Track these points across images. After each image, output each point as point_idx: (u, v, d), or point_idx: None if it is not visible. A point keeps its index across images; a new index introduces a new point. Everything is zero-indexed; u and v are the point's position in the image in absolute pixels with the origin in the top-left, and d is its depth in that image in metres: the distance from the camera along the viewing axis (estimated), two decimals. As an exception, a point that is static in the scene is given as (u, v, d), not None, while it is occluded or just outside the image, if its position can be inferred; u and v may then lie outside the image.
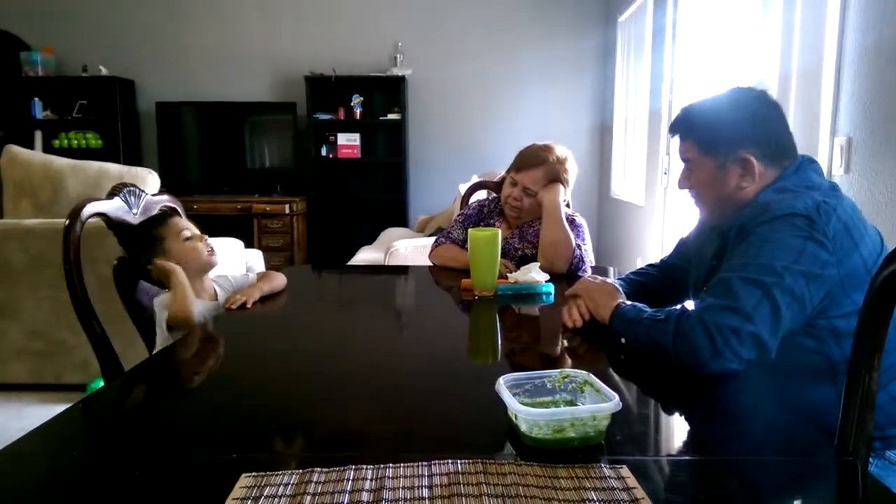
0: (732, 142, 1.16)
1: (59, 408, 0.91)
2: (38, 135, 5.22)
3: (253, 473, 0.68)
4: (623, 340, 1.14)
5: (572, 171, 1.99)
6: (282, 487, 0.66)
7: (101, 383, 1.10)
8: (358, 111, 5.21)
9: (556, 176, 1.94)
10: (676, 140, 1.26)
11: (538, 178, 1.94)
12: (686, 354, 1.01)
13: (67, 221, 1.35)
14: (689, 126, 1.22)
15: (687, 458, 0.79)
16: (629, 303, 1.19)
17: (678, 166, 1.29)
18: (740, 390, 1.00)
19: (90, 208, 1.39)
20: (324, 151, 5.24)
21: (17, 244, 2.76)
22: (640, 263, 1.61)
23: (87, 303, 1.36)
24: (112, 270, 1.45)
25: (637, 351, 1.11)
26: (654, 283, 1.45)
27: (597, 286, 1.29)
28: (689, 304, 1.15)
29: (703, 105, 1.24)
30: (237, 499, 0.64)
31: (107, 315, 1.44)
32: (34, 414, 2.62)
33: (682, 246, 1.46)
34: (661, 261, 1.52)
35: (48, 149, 5.12)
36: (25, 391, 2.86)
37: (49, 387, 2.87)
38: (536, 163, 1.95)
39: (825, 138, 2.02)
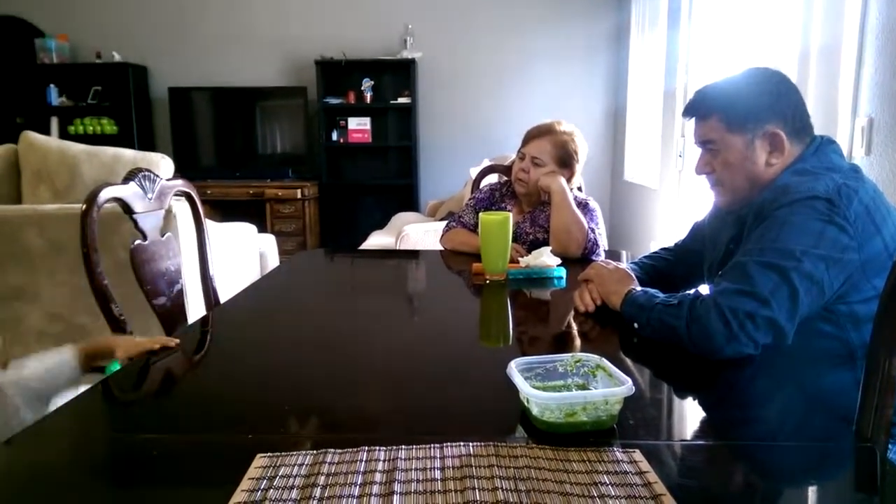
0: (759, 116, 1.14)
1: (80, 389, 0.92)
2: (55, 121, 5.26)
3: (268, 454, 0.69)
4: (636, 325, 1.13)
5: (581, 145, 1.97)
6: (296, 468, 0.66)
7: (120, 365, 1.11)
8: (368, 95, 5.19)
9: (563, 147, 1.92)
10: (691, 124, 1.23)
11: (545, 148, 1.92)
12: (700, 339, 1.00)
13: (84, 206, 1.36)
14: (710, 105, 1.19)
15: (701, 442, 0.79)
16: (641, 288, 1.18)
17: (693, 149, 1.27)
18: (756, 375, 1.00)
19: (106, 193, 1.40)
20: (334, 136, 5.24)
21: (35, 229, 2.79)
22: (653, 248, 1.60)
23: (105, 286, 1.38)
24: (129, 254, 1.46)
25: (650, 336, 1.11)
26: (667, 268, 1.44)
27: (609, 271, 1.28)
28: (704, 289, 1.14)
29: (722, 83, 1.21)
30: (253, 478, 0.64)
31: (124, 298, 1.45)
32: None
33: (697, 230, 1.44)
34: (676, 245, 1.50)
35: (64, 135, 5.16)
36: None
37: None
38: (542, 132, 1.94)
39: (846, 119, 1.99)
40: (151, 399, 0.96)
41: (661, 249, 1.51)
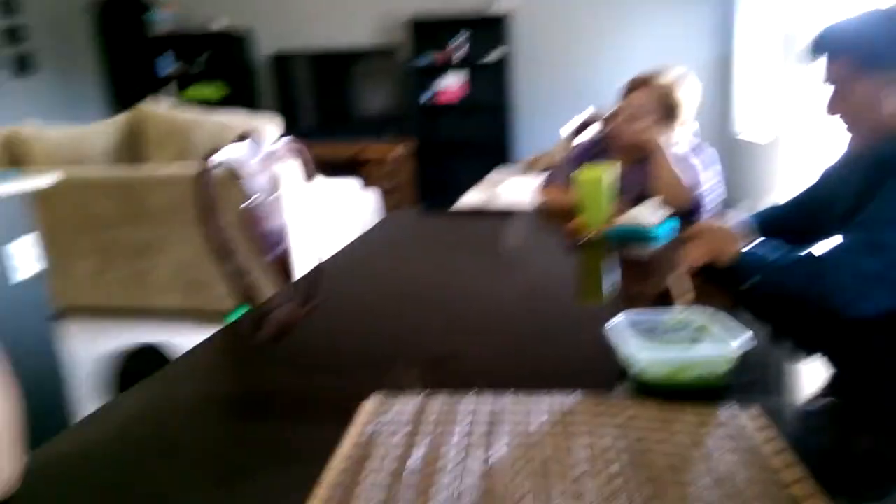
0: (892, 59, 1.04)
1: (204, 334, 1.01)
2: (168, 89, 5.61)
3: (380, 395, 0.73)
4: (749, 284, 1.08)
5: (687, 93, 1.84)
6: (406, 409, 0.70)
7: (240, 313, 1.20)
8: (461, 52, 5.14)
9: (665, 98, 1.82)
10: (816, 64, 1.14)
11: (645, 99, 1.83)
12: (821, 299, 0.95)
13: (199, 169, 1.46)
14: (840, 43, 1.09)
15: (818, 402, 0.75)
16: (756, 244, 1.12)
17: (816, 96, 1.17)
18: (883, 332, 0.93)
19: (218, 156, 1.49)
20: (427, 95, 5.26)
21: (158, 190, 3.03)
22: (765, 204, 1.50)
23: (222, 241, 1.48)
24: (240, 214, 1.55)
25: (765, 294, 1.05)
26: (789, 220, 1.35)
27: (718, 228, 1.22)
28: (828, 244, 1.06)
29: (852, 21, 1.10)
30: (366, 417, 0.68)
31: (239, 254, 1.55)
32: (183, 339, 2.93)
33: (826, 178, 1.33)
34: (801, 194, 1.40)
35: (179, 101, 5.50)
36: (177, 318, 3.20)
37: (195, 314, 3.19)
38: (643, 82, 1.85)
39: None
40: (269, 345, 1.03)
41: (784, 201, 1.42)
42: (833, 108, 1.12)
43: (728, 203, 1.85)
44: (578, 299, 1.24)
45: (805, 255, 0.99)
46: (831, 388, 0.80)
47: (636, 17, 5.03)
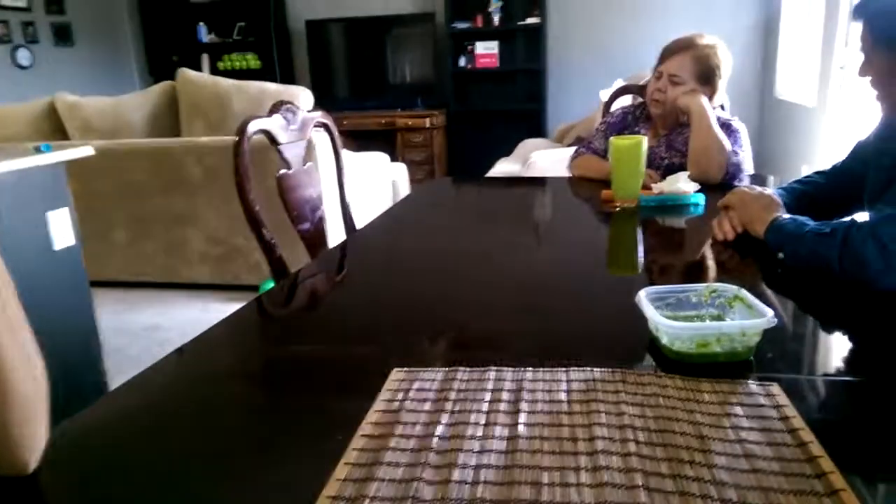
0: None
1: (238, 305, 1.04)
2: (205, 58, 5.66)
3: (404, 369, 0.75)
4: (780, 255, 1.06)
5: (725, 59, 1.80)
6: (430, 382, 0.71)
7: (272, 284, 1.23)
8: (496, 17, 5.05)
9: (705, 62, 1.77)
10: (856, 27, 1.10)
11: (684, 64, 1.78)
12: (854, 271, 0.93)
13: (235, 138, 1.48)
14: (864, 9, 1.06)
15: (844, 378, 0.74)
16: (789, 216, 1.10)
17: (857, 57, 1.13)
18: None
19: (254, 126, 1.51)
20: (462, 62, 5.19)
21: (193, 159, 3.08)
22: (805, 172, 1.46)
23: (257, 213, 1.50)
24: (276, 183, 1.58)
25: (796, 267, 1.04)
26: (821, 193, 1.32)
27: (753, 197, 1.20)
28: (861, 217, 1.04)
29: None
30: (391, 390, 0.70)
31: (273, 223, 1.58)
32: (217, 309, 3.02)
33: (860, 150, 1.29)
34: (833, 167, 1.36)
35: (214, 71, 5.55)
36: (210, 290, 3.28)
37: (228, 286, 3.26)
38: (681, 47, 1.79)
39: None
40: (298, 315, 1.06)
41: (815, 173, 1.38)
42: (862, 70, 1.09)
43: (765, 168, 1.80)
44: (609, 269, 1.23)
45: (837, 228, 0.97)
46: (857, 365, 0.79)
47: (678, -23, 4.85)
